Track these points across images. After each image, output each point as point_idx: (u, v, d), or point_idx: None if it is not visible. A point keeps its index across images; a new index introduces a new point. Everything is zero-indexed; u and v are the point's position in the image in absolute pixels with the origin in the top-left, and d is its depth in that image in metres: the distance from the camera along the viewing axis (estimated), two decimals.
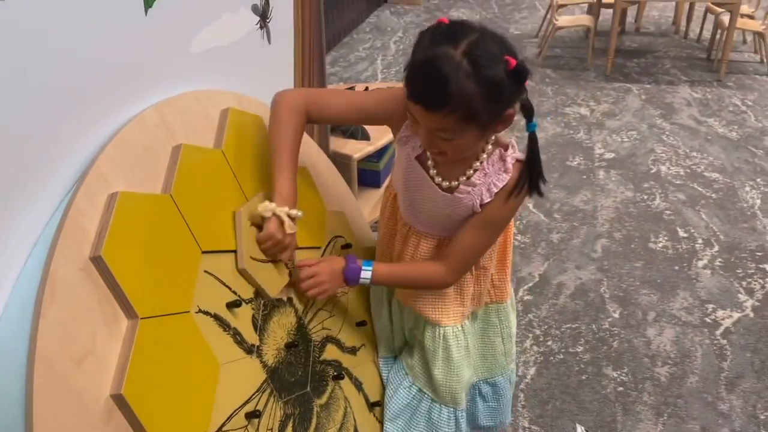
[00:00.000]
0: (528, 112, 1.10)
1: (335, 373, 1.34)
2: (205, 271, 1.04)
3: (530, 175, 1.14)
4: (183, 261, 0.99)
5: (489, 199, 1.15)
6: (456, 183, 1.17)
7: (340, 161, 2.02)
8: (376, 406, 1.45)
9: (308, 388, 1.24)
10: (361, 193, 2.36)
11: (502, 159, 1.15)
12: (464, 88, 0.96)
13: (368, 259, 1.27)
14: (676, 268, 2.69)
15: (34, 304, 0.78)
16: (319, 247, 1.39)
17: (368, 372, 1.46)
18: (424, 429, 1.40)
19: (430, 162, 1.20)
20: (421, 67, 0.99)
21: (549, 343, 2.31)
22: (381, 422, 1.45)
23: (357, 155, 2.19)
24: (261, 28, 1.46)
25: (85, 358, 0.81)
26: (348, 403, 1.37)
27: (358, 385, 1.42)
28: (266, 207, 1.13)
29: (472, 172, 1.16)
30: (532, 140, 1.14)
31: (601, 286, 2.59)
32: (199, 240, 1.03)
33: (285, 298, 1.24)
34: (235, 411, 1.03)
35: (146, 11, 1.03)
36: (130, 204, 0.91)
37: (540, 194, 1.15)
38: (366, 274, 1.24)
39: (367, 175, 2.46)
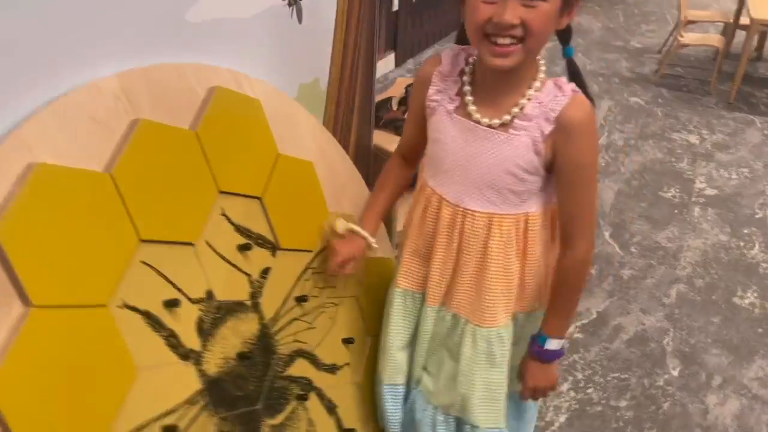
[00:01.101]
0: (565, 36, 1.08)
1: (300, 392, 1.21)
2: (143, 262, 0.94)
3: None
4: (110, 248, 0.89)
5: (550, 128, 1.04)
6: (508, 117, 1.05)
7: (383, 156, 1.88)
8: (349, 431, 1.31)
9: (258, 405, 1.12)
10: None
11: (557, 85, 1.06)
12: None
13: (540, 335, 1.17)
14: (760, 330, 2.35)
15: None
16: (309, 251, 1.26)
17: (347, 395, 1.32)
18: None
19: (471, 106, 1.08)
20: None
21: (589, 390, 2.07)
22: None
23: None
24: (290, 4, 1.34)
25: None
26: (313, 426, 1.24)
27: (331, 408, 1.29)
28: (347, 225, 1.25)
29: (526, 102, 1.05)
30: (572, 64, 1.11)
31: (666, 336, 2.30)
32: (138, 227, 0.92)
33: (250, 303, 1.12)
34: (148, 421, 0.93)
35: None
36: (49, 178, 0.82)
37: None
38: (554, 343, 1.16)
39: None
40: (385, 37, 4.35)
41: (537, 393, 1.22)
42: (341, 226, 1.25)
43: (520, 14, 0.95)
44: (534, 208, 1.13)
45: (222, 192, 1.07)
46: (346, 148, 1.67)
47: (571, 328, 2.31)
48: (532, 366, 1.19)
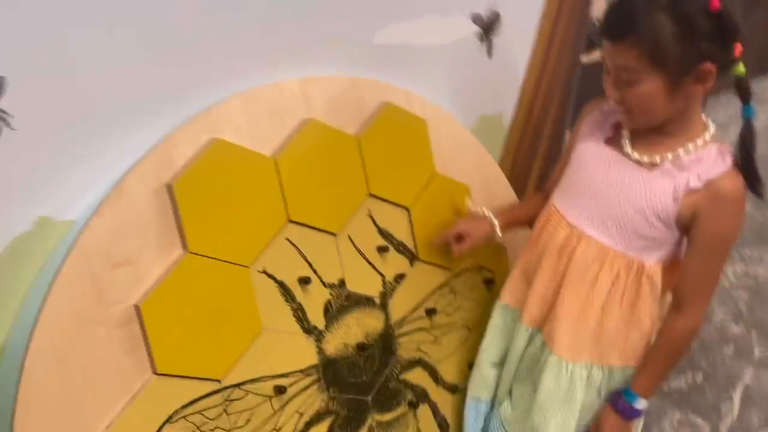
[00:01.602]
0: (744, 91, 1.01)
1: (413, 399, 1.27)
2: (287, 239, 1.08)
3: (746, 173, 1.03)
4: (261, 221, 1.04)
5: (697, 185, 1.02)
6: (659, 159, 1.05)
7: None
8: None
9: (368, 397, 1.20)
10: None
11: (720, 153, 1.03)
12: (652, 16, 0.93)
13: (629, 391, 1.15)
14: None
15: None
16: (448, 269, 1.32)
17: (459, 419, 1.35)
18: None
19: (626, 139, 1.09)
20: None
21: None
22: None
23: None
24: (481, 39, 1.42)
25: (123, 265, 0.92)
26: None
27: (443, 426, 1.32)
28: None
29: (683, 152, 1.03)
30: (746, 129, 1.02)
31: None
32: (289, 207, 1.07)
33: (378, 302, 1.22)
34: (263, 377, 1.06)
35: None
36: (224, 152, 0.99)
37: (759, 195, 1.04)
38: (641, 402, 1.14)
39: None
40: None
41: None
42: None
43: (621, 88, 1.01)
44: (652, 260, 1.09)
45: (372, 195, 1.18)
46: (525, 182, 1.71)
47: None
48: (612, 419, 1.15)
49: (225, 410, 1.01)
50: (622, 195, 1.08)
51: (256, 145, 1.05)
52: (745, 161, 1.02)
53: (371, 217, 1.19)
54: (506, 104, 1.59)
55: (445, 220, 1.30)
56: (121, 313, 0.92)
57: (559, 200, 1.18)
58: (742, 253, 3.07)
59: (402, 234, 1.24)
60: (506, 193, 1.43)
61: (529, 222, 1.29)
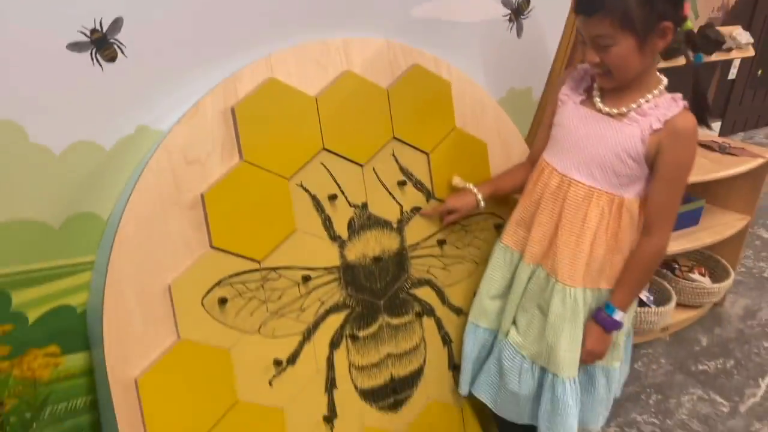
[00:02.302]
0: (693, 44, 1.26)
1: (419, 311, 1.53)
2: (321, 164, 1.38)
3: (697, 109, 1.26)
4: (301, 146, 1.34)
5: (658, 127, 1.25)
6: (625, 109, 1.28)
7: None
8: (457, 368, 1.59)
9: (381, 302, 1.48)
10: None
11: (674, 98, 1.27)
12: None
13: (608, 305, 1.37)
14: None
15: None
16: None
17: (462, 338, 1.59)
18: (548, 403, 1.44)
19: (597, 99, 1.33)
20: None
21: None
22: (457, 383, 1.59)
23: None
24: (510, 20, 1.67)
25: (194, 163, 1.24)
26: (425, 345, 1.55)
27: (446, 340, 1.58)
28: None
29: (644, 102, 1.27)
30: (697, 73, 1.27)
31: None
32: (325, 138, 1.36)
33: (396, 226, 1.49)
34: (294, 266, 1.36)
35: None
36: (276, 89, 1.30)
37: (708, 127, 1.28)
38: (618, 314, 1.36)
39: None
40: (712, 103, 4.26)
41: (592, 357, 1.39)
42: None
43: (600, 55, 1.23)
44: (629, 194, 1.32)
45: (396, 138, 1.46)
46: None
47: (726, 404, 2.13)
48: (594, 331, 1.37)
49: (262, 285, 1.32)
50: (600, 143, 1.31)
51: (303, 87, 1.35)
52: (696, 100, 1.27)
53: (394, 156, 1.47)
54: (535, 80, 1.81)
55: (462, 167, 1.55)
56: (191, 199, 1.25)
57: (549, 156, 1.41)
58: None
59: (421, 174, 1.51)
60: (522, 153, 1.66)
61: (513, 190, 1.55)
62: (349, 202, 1.42)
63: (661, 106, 1.26)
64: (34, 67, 1.11)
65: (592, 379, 1.44)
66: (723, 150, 2.35)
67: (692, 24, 1.24)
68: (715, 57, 3.67)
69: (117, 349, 1.20)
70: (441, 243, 1.55)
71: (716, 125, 4.41)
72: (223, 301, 1.27)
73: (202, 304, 1.26)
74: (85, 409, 1.41)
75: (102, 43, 1.16)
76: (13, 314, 1.26)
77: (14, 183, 1.17)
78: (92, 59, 1.16)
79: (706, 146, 2.41)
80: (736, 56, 3.75)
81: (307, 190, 1.37)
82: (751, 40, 3.74)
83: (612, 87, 1.29)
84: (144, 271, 1.22)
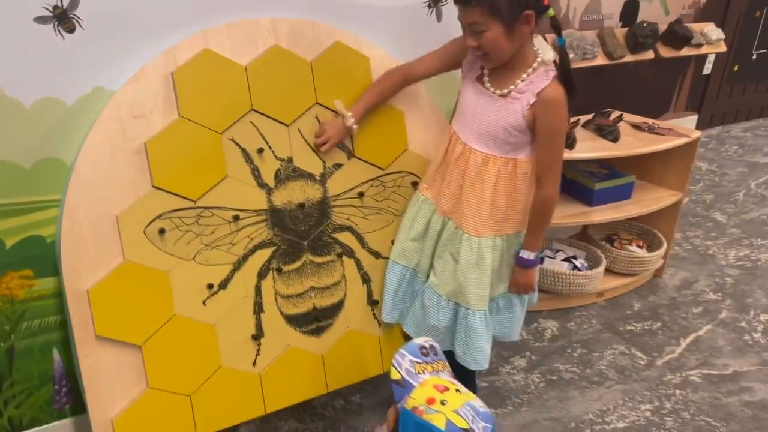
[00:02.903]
0: (557, 28, 1.52)
1: (340, 252, 1.79)
2: (251, 122, 1.64)
3: (565, 82, 1.52)
4: (233, 106, 1.61)
5: (533, 100, 1.51)
6: (506, 90, 1.55)
7: None
8: (375, 303, 1.84)
9: (305, 243, 1.74)
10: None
11: (545, 71, 1.53)
12: None
13: (520, 249, 1.71)
14: None
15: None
16: (381, 168, 1.83)
17: (382, 280, 1.85)
18: (462, 332, 1.74)
19: (486, 79, 1.59)
20: None
21: (668, 419, 2.14)
22: (377, 319, 1.84)
23: None
24: (429, 6, 1.92)
25: (139, 116, 1.52)
26: (345, 282, 1.81)
27: (365, 279, 1.84)
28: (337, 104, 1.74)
29: (520, 82, 1.54)
30: (563, 53, 1.53)
31: None
32: (253, 100, 1.63)
33: (319, 179, 1.75)
34: (225, 207, 1.62)
35: None
36: (210, 58, 1.57)
37: (573, 95, 1.53)
38: (529, 254, 1.69)
39: (577, 187, 2.60)
40: (687, 97, 4.44)
41: (520, 288, 1.75)
42: (339, 106, 1.71)
43: (475, 38, 1.48)
44: (521, 156, 1.60)
45: (319, 103, 1.72)
46: None
47: (693, 371, 2.33)
48: (516, 270, 1.74)
49: (197, 221, 1.59)
50: (490, 118, 1.58)
51: (235, 58, 1.62)
52: (563, 74, 1.53)
53: (317, 119, 1.73)
54: None
55: (380, 132, 1.81)
56: (136, 147, 1.52)
57: (455, 124, 1.69)
58: (753, 242, 3.28)
59: None
60: (439, 120, 1.91)
61: (383, 102, 1.78)
62: (275, 156, 1.69)
63: (534, 81, 1.52)
64: (8, 36, 1.40)
65: (510, 302, 1.76)
66: (651, 130, 2.58)
67: (554, 12, 1.50)
68: (686, 52, 3.88)
69: (72, 267, 1.48)
70: (361, 195, 1.81)
71: (692, 119, 4.60)
72: (162, 231, 1.55)
73: (144, 233, 1.54)
74: (56, 327, 1.69)
75: (63, 17, 1.44)
76: None
77: None
78: (54, 30, 1.44)
79: (637, 126, 2.64)
80: (707, 52, 3.96)
81: (237, 144, 1.63)
82: (723, 37, 3.95)
83: (492, 67, 1.56)
84: (95, 205, 1.50)
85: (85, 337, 1.50)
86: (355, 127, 1.72)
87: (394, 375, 1.48)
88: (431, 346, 1.53)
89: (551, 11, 1.49)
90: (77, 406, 1.82)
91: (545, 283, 2.52)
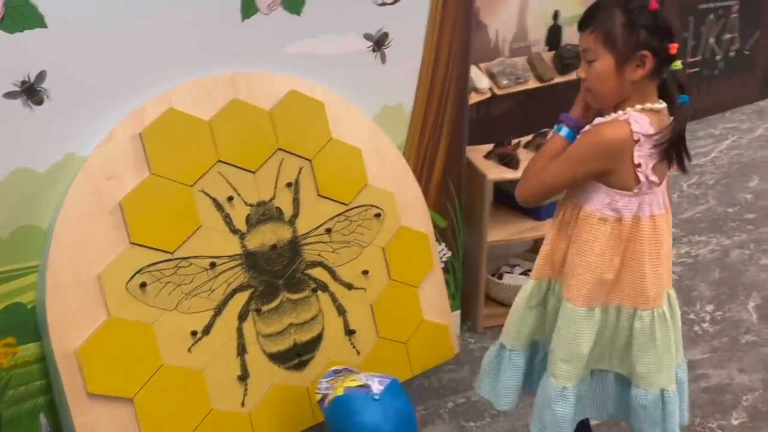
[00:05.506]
0: (680, 86, 1.34)
1: (315, 287, 1.88)
2: (219, 173, 1.73)
3: (671, 146, 1.32)
4: (200, 159, 1.70)
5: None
6: None
7: (475, 176, 2.44)
8: (353, 333, 1.93)
9: (279, 281, 1.82)
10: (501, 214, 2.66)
11: (625, 111, 1.35)
12: (607, 9, 1.32)
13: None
14: None
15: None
16: (345, 203, 1.93)
17: (358, 310, 1.94)
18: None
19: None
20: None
21: None
22: (356, 348, 1.92)
23: (491, 176, 2.43)
24: (374, 51, 2.05)
25: (112, 177, 1.59)
26: (322, 316, 1.89)
27: (341, 310, 1.92)
28: None
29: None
30: (680, 111, 1.33)
31: (750, 394, 2.33)
32: (219, 151, 1.72)
33: (288, 220, 1.84)
34: (202, 255, 1.70)
35: (242, 20, 1.76)
36: (175, 116, 1.66)
37: (684, 171, 1.37)
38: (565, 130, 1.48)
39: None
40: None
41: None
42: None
43: (585, 71, 1.38)
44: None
45: (281, 149, 1.82)
46: (434, 159, 2.29)
47: None
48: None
49: (176, 272, 1.66)
50: None
51: (197, 114, 1.71)
52: (677, 136, 1.32)
53: (280, 164, 1.83)
54: (404, 98, 2.19)
55: (341, 170, 1.92)
56: (112, 206, 1.59)
57: None
58: (691, 239, 3.50)
59: (308, 176, 1.87)
60: (394, 155, 2.03)
61: None
62: (245, 202, 1.77)
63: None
64: None
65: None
66: None
67: (680, 65, 1.34)
68: None
69: (59, 329, 1.52)
70: (328, 231, 1.90)
71: None
72: (143, 285, 1.61)
73: (126, 288, 1.59)
74: (41, 391, 1.71)
75: (31, 92, 1.51)
76: None
77: None
78: (24, 104, 1.51)
79: None
80: None
81: (207, 194, 1.72)
82: None
83: (595, 106, 1.42)
84: (77, 266, 1.55)
85: (77, 395, 1.53)
86: None
87: (315, 397, 1.78)
88: (344, 368, 1.80)
89: (678, 64, 1.32)
90: None
91: (506, 298, 2.64)
